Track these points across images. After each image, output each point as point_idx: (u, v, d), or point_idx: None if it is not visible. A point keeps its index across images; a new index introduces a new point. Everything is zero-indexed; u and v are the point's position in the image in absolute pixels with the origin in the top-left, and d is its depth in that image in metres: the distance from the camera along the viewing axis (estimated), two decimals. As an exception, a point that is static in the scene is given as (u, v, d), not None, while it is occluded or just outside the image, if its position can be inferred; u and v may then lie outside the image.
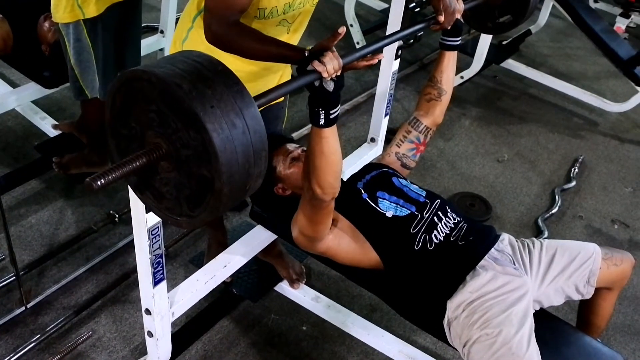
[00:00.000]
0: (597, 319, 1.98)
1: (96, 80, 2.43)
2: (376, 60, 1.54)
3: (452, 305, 1.71)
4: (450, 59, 2.00)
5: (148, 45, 3.17)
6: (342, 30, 1.42)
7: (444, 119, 2.08)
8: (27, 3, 2.74)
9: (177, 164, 1.10)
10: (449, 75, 2.01)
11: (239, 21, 1.57)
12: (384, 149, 2.14)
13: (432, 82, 2.02)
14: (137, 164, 1.07)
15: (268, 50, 1.54)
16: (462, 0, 1.90)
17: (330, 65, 1.39)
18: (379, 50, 1.69)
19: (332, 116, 1.47)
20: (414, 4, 4.02)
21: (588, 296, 1.87)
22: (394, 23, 2.16)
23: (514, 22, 2.19)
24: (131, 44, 2.56)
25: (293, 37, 1.84)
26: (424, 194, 1.91)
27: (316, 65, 1.39)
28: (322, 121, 1.47)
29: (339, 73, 1.42)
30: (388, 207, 1.81)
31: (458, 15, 1.88)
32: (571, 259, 1.84)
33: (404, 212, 1.81)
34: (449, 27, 1.89)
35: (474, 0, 2.06)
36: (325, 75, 1.39)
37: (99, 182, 1.02)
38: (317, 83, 1.42)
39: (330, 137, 1.51)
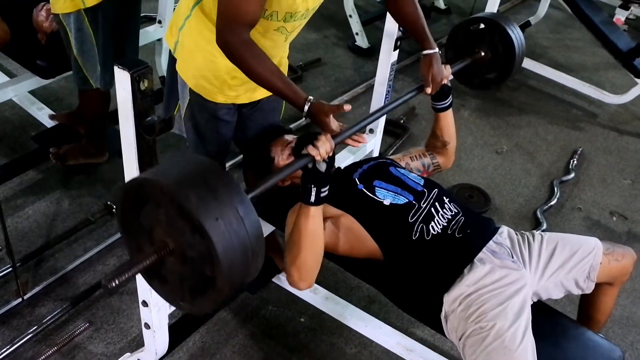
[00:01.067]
0: (597, 313, 1.97)
1: (98, 70, 2.42)
2: (362, 144, 1.69)
3: (449, 298, 1.71)
4: (446, 117, 2.07)
5: (146, 35, 3.16)
6: (347, 108, 1.57)
7: (452, 161, 2.17)
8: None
9: (182, 260, 1.20)
10: (450, 130, 2.10)
11: (252, 40, 1.58)
12: (396, 151, 2.20)
13: (434, 137, 2.12)
14: (147, 262, 1.17)
15: (274, 83, 1.60)
16: (450, 65, 2.01)
17: (323, 148, 1.52)
18: (363, 130, 1.85)
19: (322, 194, 1.60)
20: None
21: (588, 291, 1.86)
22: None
23: (499, 79, 2.31)
24: (130, 34, 2.55)
25: (289, 38, 1.85)
26: (422, 182, 1.91)
27: (310, 150, 1.52)
28: (312, 199, 1.59)
29: (330, 154, 1.55)
30: (385, 196, 1.82)
31: (445, 81, 1.97)
32: (572, 253, 1.83)
33: (401, 200, 1.82)
34: (437, 93, 1.98)
35: (462, 62, 2.18)
36: (318, 158, 1.53)
37: (114, 283, 1.13)
38: (310, 165, 1.55)
39: (317, 216, 1.63)
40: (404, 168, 1.98)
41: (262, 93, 1.96)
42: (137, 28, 2.61)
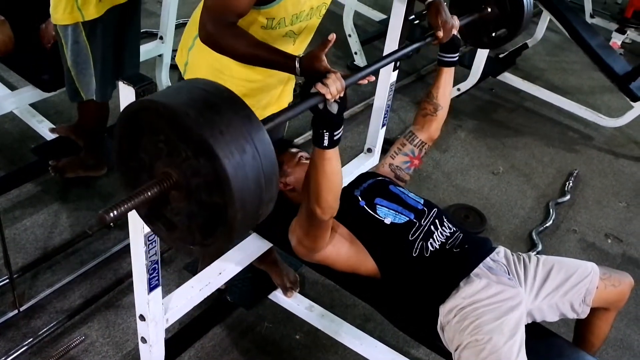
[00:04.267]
0: (592, 337, 1.97)
1: (92, 83, 2.43)
2: (373, 78, 1.57)
3: (444, 309, 1.72)
4: (448, 75, 2.02)
5: (147, 51, 3.18)
6: (332, 37, 1.45)
7: (440, 131, 2.09)
8: (26, 5, 2.74)
9: (188, 192, 1.08)
10: (446, 91, 2.03)
11: (235, 24, 1.58)
12: (380, 160, 2.15)
13: (428, 98, 2.05)
14: (149, 194, 1.05)
15: (259, 54, 1.55)
16: (457, 16, 1.93)
17: (334, 87, 1.39)
18: (377, 72, 1.69)
19: (335, 137, 1.47)
20: (413, 16, 4.04)
21: (583, 315, 1.86)
22: (394, 34, 2.17)
23: (509, 36, 2.20)
24: (130, 47, 2.57)
25: (299, 49, 1.86)
26: (422, 201, 1.92)
27: (320, 87, 1.39)
28: (326, 142, 1.47)
29: (342, 94, 1.43)
30: (386, 214, 1.82)
31: (455, 31, 1.90)
32: (567, 277, 1.83)
33: (402, 219, 1.82)
34: (447, 43, 1.91)
35: (469, 16, 2.08)
36: (329, 97, 1.39)
37: (111, 214, 1.00)
38: (321, 106, 1.42)
39: (333, 158, 1.52)
40: (402, 187, 1.98)
41: (273, 110, 1.97)
42: (137, 41, 2.63)
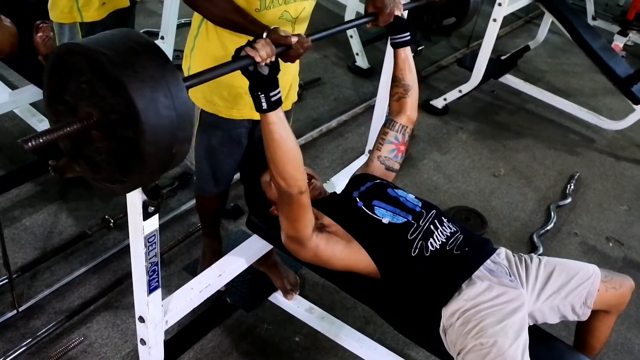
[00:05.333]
0: (593, 340, 1.97)
1: None
2: (310, 43, 1.59)
3: (447, 312, 1.71)
4: (405, 54, 2.03)
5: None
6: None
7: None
8: (27, 6, 2.74)
9: (107, 130, 1.17)
10: (409, 70, 2.04)
11: None
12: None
13: (395, 82, 2.06)
14: (69, 129, 1.13)
15: (232, 18, 1.63)
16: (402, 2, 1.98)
17: (263, 51, 1.43)
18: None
19: (273, 99, 1.50)
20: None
21: (584, 317, 1.86)
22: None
23: (456, 24, 2.25)
24: None
25: (296, 30, 1.85)
26: (420, 204, 1.91)
27: (249, 50, 1.43)
28: (264, 105, 1.49)
29: (273, 59, 1.47)
30: (384, 215, 1.82)
31: (398, 12, 1.94)
32: (569, 279, 1.83)
33: (400, 219, 1.82)
34: (393, 25, 1.95)
35: (415, 1, 2.12)
36: (258, 59, 1.43)
37: (29, 144, 1.08)
38: (251, 68, 1.46)
39: (278, 122, 1.53)
40: (401, 189, 1.98)
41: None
42: None
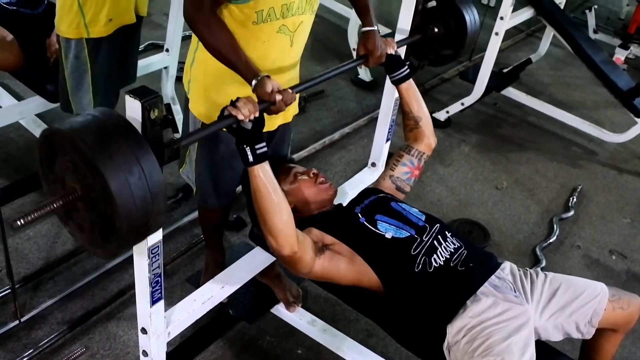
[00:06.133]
0: (598, 358, 1.95)
1: (85, 98, 2.40)
2: (294, 99, 1.67)
3: (452, 329, 1.70)
4: (409, 89, 2.06)
5: (153, 63, 3.19)
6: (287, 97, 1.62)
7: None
8: (33, 18, 2.76)
9: (89, 204, 1.30)
10: (415, 101, 2.06)
11: (215, 15, 1.66)
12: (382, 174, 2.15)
13: (404, 115, 2.10)
14: (54, 206, 1.28)
15: (228, 55, 1.67)
16: (397, 42, 2.03)
17: (245, 109, 1.51)
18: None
19: (258, 152, 1.56)
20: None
21: (588, 336, 1.83)
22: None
23: (453, 55, 2.29)
24: (129, 63, 2.58)
25: (295, 48, 1.86)
26: (423, 217, 1.91)
27: (231, 109, 1.52)
28: (250, 157, 1.56)
29: (256, 114, 1.54)
30: (387, 229, 1.82)
31: (390, 51, 1.98)
32: (574, 297, 1.80)
33: (403, 234, 1.82)
34: (387, 64, 2.01)
35: (410, 38, 2.17)
36: (240, 117, 1.51)
37: (19, 223, 1.22)
38: (234, 125, 1.54)
39: (263, 174, 1.59)
40: (404, 202, 1.98)
41: (279, 121, 1.97)
42: (136, 57, 2.65)
